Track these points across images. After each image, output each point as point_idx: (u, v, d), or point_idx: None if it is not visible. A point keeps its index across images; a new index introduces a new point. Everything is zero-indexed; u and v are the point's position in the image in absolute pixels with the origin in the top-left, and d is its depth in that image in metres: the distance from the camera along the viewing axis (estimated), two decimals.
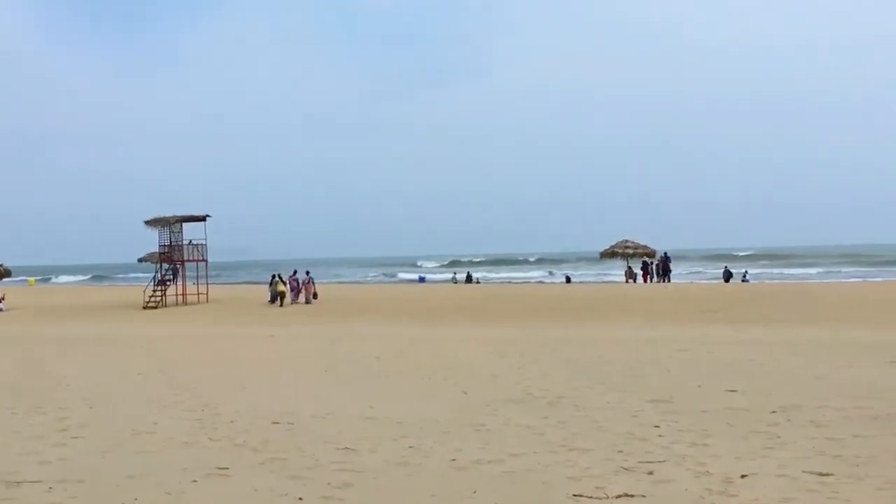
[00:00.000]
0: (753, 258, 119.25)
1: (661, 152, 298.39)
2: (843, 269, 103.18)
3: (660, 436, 11.36)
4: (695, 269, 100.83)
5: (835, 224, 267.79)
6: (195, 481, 9.62)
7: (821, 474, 9.13)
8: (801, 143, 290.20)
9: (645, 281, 64.59)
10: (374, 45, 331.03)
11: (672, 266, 66.52)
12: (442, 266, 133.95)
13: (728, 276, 67.64)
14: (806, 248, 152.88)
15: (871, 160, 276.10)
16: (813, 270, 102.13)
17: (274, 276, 49.41)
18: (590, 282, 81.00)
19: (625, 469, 9.64)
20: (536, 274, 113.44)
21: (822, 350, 21.39)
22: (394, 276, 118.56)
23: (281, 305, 46.59)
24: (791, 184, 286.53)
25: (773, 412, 12.83)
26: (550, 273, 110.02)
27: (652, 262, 65.81)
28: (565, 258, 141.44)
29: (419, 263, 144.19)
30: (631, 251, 66.19)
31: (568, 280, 77.59)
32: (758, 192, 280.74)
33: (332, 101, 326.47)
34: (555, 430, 11.93)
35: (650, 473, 9.40)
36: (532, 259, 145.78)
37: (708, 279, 78.73)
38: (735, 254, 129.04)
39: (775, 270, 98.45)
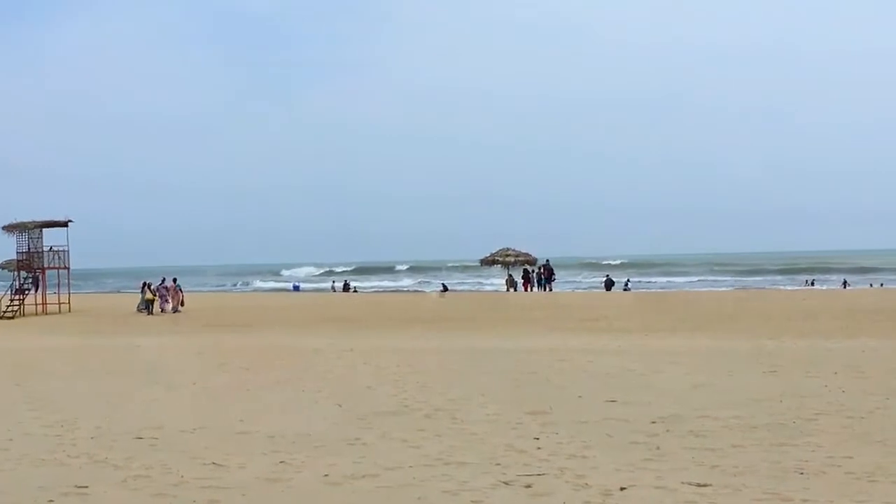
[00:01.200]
0: (624, 266, 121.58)
1: (539, 155, 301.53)
2: (714, 278, 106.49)
3: (539, 448, 11.45)
4: (572, 278, 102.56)
5: (702, 232, 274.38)
6: (52, 501, 9.34)
7: (699, 485, 9.31)
8: (669, 147, 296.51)
9: (526, 289, 65.25)
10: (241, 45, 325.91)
11: (552, 274, 67.33)
12: (315, 276, 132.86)
13: (610, 284, 68.78)
14: (672, 257, 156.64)
15: (740, 166, 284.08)
16: (684, 279, 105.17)
17: (145, 284, 48.67)
18: (467, 290, 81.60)
19: (503, 483, 9.68)
20: (408, 282, 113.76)
21: (701, 359, 21.87)
22: (248, 284, 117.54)
23: (150, 314, 45.85)
24: (660, 190, 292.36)
25: (653, 423, 13.05)
26: (422, 283, 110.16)
27: (533, 270, 66.51)
28: (435, 266, 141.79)
29: (283, 272, 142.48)
30: (512, 259, 66.75)
31: (445, 289, 77.84)
32: (631, 198, 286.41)
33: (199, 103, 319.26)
34: (432, 444, 11.92)
35: (528, 487, 9.46)
36: (402, 267, 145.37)
37: (584, 288, 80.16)
38: (606, 262, 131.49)
39: (651, 279, 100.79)
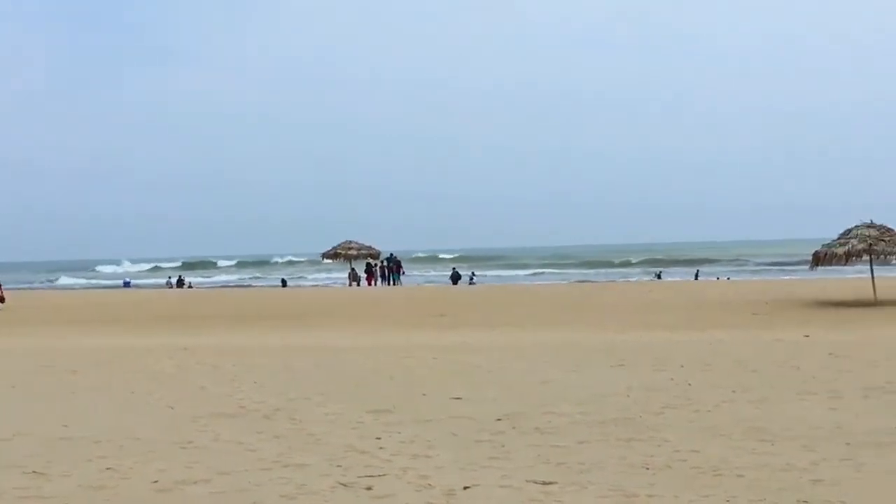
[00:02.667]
0: (461, 260, 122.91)
1: (397, 144, 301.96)
2: (557, 271, 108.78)
3: (381, 448, 11.43)
4: (418, 272, 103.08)
5: (531, 225, 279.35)
6: None
7: (544, 483, 9.42)
8: (492, 141, 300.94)
9: (370, 283, 65.28)
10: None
11: (397, 267, 67.51)
12: (145, 271, 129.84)
13: (456, 278, 69.35)
14: (510, 250, 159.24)
15: (561, 160, 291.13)
16: (524, 272, 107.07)
17: None
18: (308, 285, 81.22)
19: (342, 485, 9.63)
20: (235, 277, 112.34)
21: (548, 354, 22.19)
22: (53, 280, 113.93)
23: None
24: (487, 184, 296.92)
25: (499, 420, 13.17)
26: (256, 277, 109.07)
27: (377, 264, 66.56)
28: (264, 260, 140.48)
29: (98, 268, 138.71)
30: (354, 252, 66.47)
31: (284, 283, 77.22)
32: (462, 191, 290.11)
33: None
34: (269, 446, 11.78)
35: (369, 489, 9.43)
36: (231, 262, 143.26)
37: (429, 282, 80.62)
38: (442, 256, 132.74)
39: (494, 272, 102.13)
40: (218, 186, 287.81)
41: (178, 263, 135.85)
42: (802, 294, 43.12)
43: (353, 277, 66.94)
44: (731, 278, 74.66)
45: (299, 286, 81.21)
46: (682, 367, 18.86)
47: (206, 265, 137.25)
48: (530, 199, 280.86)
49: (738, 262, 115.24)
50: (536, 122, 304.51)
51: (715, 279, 73.21)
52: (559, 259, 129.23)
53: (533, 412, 13.73)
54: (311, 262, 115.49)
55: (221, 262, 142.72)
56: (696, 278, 76.39)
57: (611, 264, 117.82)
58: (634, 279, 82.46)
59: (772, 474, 9.59)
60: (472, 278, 71.76)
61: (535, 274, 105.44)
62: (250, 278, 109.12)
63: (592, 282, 77.37)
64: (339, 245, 67.38)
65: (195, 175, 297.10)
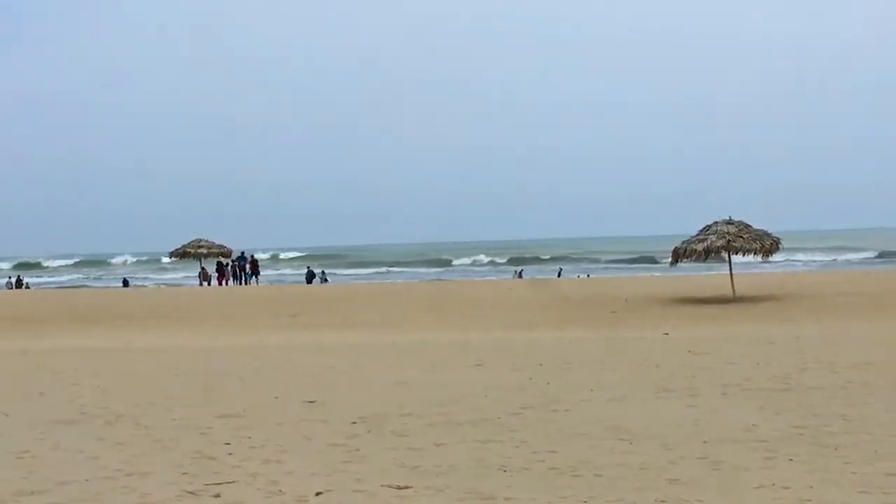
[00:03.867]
0: (308, 259, 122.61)
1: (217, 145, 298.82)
2: (400, 269, 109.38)
3: (230, 454, 11.28)
4: (269, 271, 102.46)
5: (373, 224, 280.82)
6: None
7: (399, 487, 9.42)
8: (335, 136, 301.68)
9: (221, 283, 64.52)
10: None
11: (253, 266, 66.86)
12: None
13: (311, 276, 69.01)
14: (349, 249, 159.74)
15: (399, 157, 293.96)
16: (371, 270, 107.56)
17: None
18: (153, 285, 79.88)
19: (189, 493, 9.47)
20: (68, 277, 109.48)
21: (405, 354, 22.27)
22: None
23: None
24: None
25: (354, 423, 13.13)
26: (96, 278, 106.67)
27: (228, 263, 65.81)
28: (102, 258, 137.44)
29: None
30: (205, 251, 65.54)
31: (125, 283, 75.64)
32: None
33: None
34: (112, 453, 11.52)
35: (217, 496, 9.29)
36: (68, 261, 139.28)
37: (279, 281, 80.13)
38: (285, 256, 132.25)
39: (340, 272, 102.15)
40: (46, 181, 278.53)
41: (13, 263, 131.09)
42: (662, 291, 44.08)
43: (204, 277, 66.08)
44: (591, 276, 75.92)
45: (144, 286, 79.87)
46: (540, 366, 19.09)
47: (36, 266, 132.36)
48: (374, 197, 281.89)
49: (591, 258, 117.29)
50: (373, 115, 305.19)
51: (576, 277, 74.31)
52: (406, 257, 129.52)
53: (389, 414, 13.72)
54: (152, 262, 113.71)
55: (55, 262, 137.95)
56: (559, 276, 77.47)
57: (463, 262, 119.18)
58: (494, 277, 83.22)
59: (630, 473, 9.76)
60: (323, 276, 71.41)
61: (384, 272, 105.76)
62: (85, 278, 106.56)
63: (450, 280, 77.84)
64: (188, 243, 66.31)
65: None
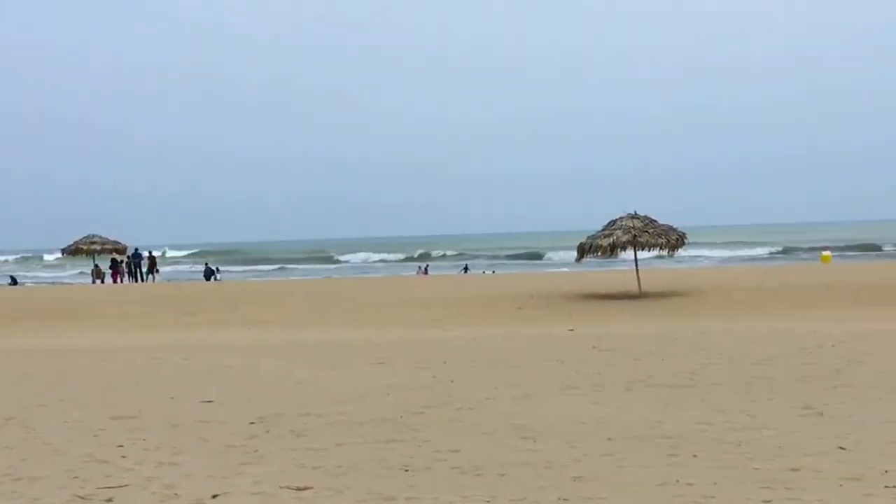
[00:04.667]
0: (201, 255, 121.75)
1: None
2: (295, 266, 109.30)
3: (123, 457, 11.11)
4: (166, 267, 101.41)
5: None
6: None
7: (298, 489, 9.37)
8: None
9: (115, 281, 63.64)
10: None
11: (150, 263, 66.08)
12: None
13: (209, 273, 68.41)
14: (241, 245, 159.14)
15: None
16: (268, 267, 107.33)
17: None
18: (44, 283, 78.48)
19: (80, 497, 9.31)
20: None
21: (306, 352, 22.16)
22: None
23: None
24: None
25: (252, 423, 13.02)
26: None
27: (123, 260, 64.94)
28: None
29: None
30: (98, 247, 64.53)
31: (13, 281, 74.04)
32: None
33: None
34: None
35: (109, 501, 9.15)
36: None
37: (175, 278, 79.24)
38: (170, 254, 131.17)
39: (234, 268, 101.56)
40: None
41: None
42: (568, 287, 44.44)
43: (97, 274, 65.08)
44: (496, 272, 76.31)
45: (34, 284, 78.45)
46: (444, 363, 19.13)
47: None
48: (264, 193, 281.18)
49: (493, 255, 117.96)
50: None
51: (481, 273, 74.61)
52: (304, 253, 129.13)
53: (288, 414, 13.64)
54: (35, 259, 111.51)
55: None
56: (466, 272, 77.65)
57: (350, 258, 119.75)
58: (405, 274, 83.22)
59: (533, 472, 9.82)
60: (215, 273, 70.64)
61: (277, 269, 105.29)
62: None
63: (352, 277, 77.62)
64: (80, 240, 65.25)
65: None
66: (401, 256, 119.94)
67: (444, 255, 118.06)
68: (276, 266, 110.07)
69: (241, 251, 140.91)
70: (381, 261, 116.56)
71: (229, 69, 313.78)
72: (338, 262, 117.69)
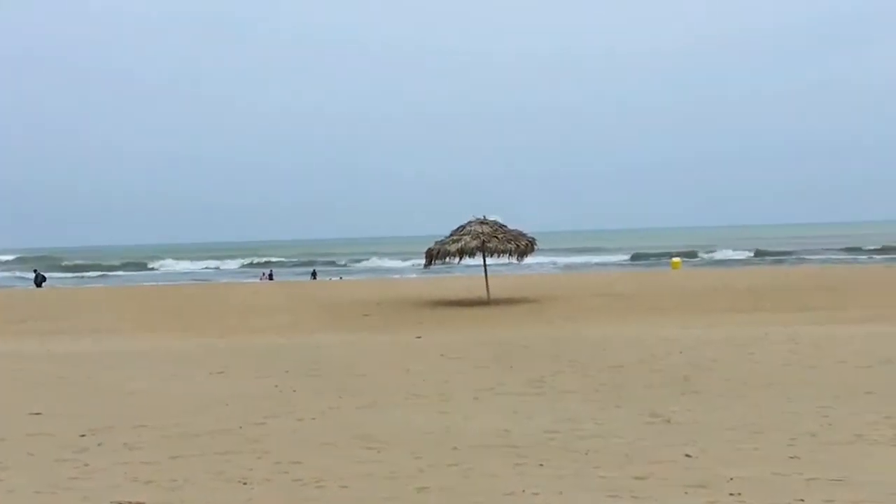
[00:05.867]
0: (21, 262, 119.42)
1: None
2: (121, 273, 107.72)
3: None
4: None
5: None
6: None
7: (130, 503, 9.23)
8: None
9: None
10: None
11: None
12: None
13: (41, 279, 66.75)
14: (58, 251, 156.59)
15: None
16: (92, 274, 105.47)
17: None
18: None
19: None
20: None
21: (142, 361, 21.78)
22: None
23: None
24: None
25: (83, 436, 12.74)
26: None
27: None
28: None
29: None
30: None
31: None
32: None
33: None
34: None
35: None
36: None
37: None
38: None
39: (61, 275, 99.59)
40: None
41: None
42: (416, 293, 44.60)
43: None
44: (343, 278, 76.22)
45: None
46: (287, 372, 19.01)
47: None
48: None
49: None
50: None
51: (328, 279, 74.41)
52: (108, 260, 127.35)
53: (122, 427, 13.38)
54: None
55: None
56: (314, 278, 77.27)
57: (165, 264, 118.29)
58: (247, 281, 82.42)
59: (377, 483, 9.82)
60: (38, 278, 68.53)
61: (98, 277, 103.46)
62: None
63: (192, 284, 76.61)
64: None
65: None
66: (239, 263, 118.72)
67: (282, 263, 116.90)
68: (94, 273, 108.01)
69: (60, 257, 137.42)
70: (216, 268, 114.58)
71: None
72: (154, 269, 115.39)
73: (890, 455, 10.51)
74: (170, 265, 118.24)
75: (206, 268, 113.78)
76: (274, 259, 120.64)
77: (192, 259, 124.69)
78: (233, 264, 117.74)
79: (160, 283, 76.98)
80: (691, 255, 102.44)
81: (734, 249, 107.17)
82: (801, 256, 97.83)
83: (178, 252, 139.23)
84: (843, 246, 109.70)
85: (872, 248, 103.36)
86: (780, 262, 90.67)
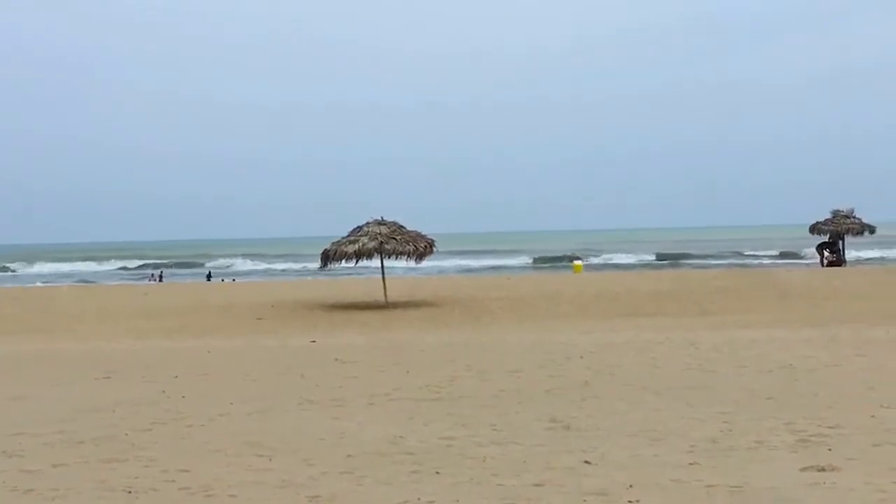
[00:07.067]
0: None
1: None
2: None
3: None
4: None
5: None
6: None
7: None
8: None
9: None
10: None
11: None
12: None
13: None
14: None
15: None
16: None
17: None
18: None
19: None
20: None
21: (22, 366, 21.46)
22: None
23: None
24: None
25: None
26: None
27: None
28: None
29: None
30: None
31: None
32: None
33: None
34: None
35: None
36: None
37: None
38: None
39: None
40: None
41: None
42: (311, 296, 44.44)
43: None
44: (237, 280, 75.69)
45: None
46: (176, 377, 18.83)
47: None
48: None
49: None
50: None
51: (220, 281, 73.83)
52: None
53: (0, 434, 13.15)
54: None
55: None
56: (209, 279, 76.54)
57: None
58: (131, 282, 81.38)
59: (267, 491, 9.75)
60: None
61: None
62: None
63: (74, 285, 75.40)
64: None
65: None
66: (120, 265, 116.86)
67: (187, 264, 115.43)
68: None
69: None
70: (97, 271, 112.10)
71: None
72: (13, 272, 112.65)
73: (790, 461, 10.69)
74: (41, 267, 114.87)
75: (82, 269, 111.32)
76: (163, 260, 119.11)
77: (70, 261, 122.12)
78: (115, 265, 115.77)
79: (33, 285, 75.69)
80: (594, 256, 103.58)
81: (635, 254, 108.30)
82: (702, 260, 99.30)
83: (51, 253, 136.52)
84: (740, 249, 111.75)
85: (772, 252, 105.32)
86: (680, 265, 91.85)
